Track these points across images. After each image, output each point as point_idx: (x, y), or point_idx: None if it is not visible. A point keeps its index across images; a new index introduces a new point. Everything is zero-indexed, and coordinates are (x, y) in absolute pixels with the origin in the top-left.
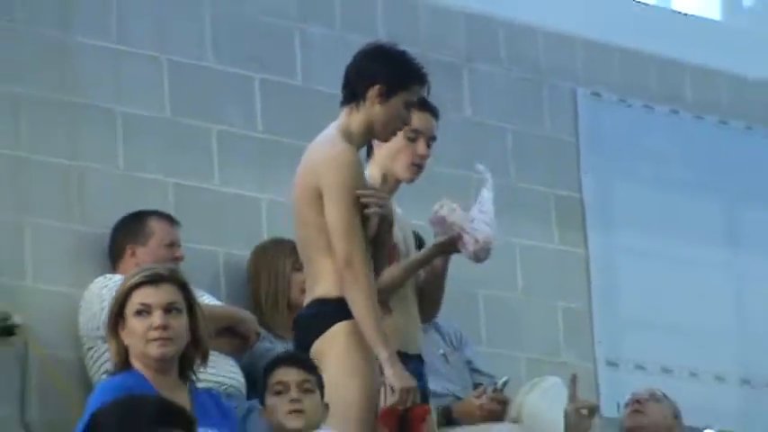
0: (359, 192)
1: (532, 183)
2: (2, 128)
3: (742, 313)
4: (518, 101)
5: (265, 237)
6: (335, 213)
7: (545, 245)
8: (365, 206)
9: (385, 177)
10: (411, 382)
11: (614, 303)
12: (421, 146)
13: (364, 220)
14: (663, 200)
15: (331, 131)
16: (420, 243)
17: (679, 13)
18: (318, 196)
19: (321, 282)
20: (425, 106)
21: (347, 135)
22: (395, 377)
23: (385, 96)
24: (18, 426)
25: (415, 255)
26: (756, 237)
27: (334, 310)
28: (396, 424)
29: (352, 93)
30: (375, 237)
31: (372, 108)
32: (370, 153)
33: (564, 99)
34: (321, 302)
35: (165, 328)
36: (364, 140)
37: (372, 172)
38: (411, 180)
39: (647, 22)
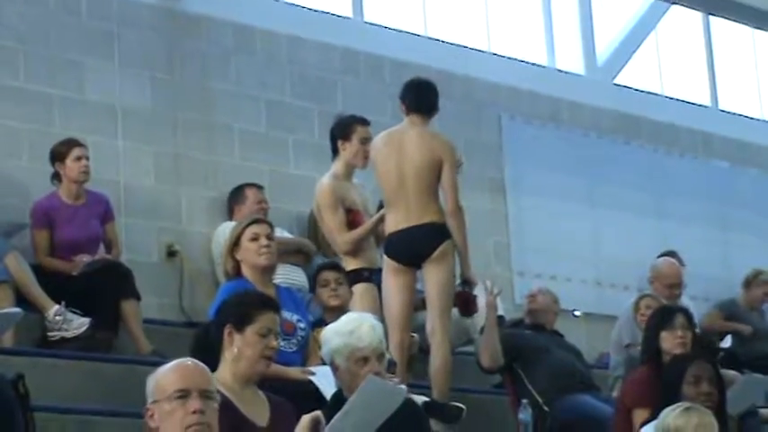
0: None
1: (476, 168)
2: (166, 137)
3: (595, 246)
4: (468, 122)
5: None
6: (452, 176)
7: (484, 205)
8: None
9: (347, 166)
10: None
11: (522, 239)
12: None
13: None
14: (551, 179)
15: (427, 129)
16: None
17: (560, 70)
18: (439, 165)
19: (430, 213)
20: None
21: None
22: (474, 275)
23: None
24: (178, 309)
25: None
26: (606, 201)
27: (445, 230)
28: (463, 302)
29: (430, 110)
30: None
31: (433, 121)
32: (336, 151)
33: (494, 120)
34: (434, 224)
35: (269, 246)
36: None
37: (338, 165)
38: (364, 166)
39: (541, 76)
